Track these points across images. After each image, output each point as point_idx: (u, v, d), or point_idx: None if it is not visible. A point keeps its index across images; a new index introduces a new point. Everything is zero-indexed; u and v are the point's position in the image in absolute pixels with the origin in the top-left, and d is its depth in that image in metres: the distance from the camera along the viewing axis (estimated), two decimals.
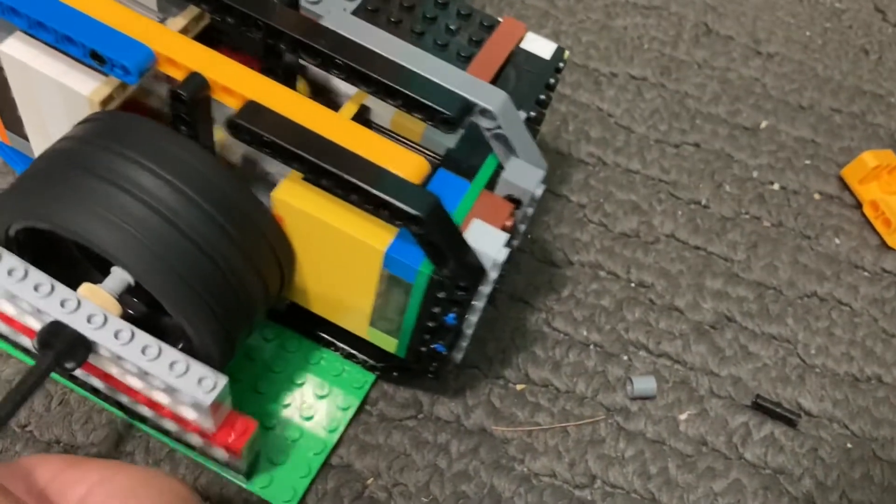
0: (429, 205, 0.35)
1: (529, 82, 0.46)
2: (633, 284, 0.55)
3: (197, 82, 0.38)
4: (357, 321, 0.43)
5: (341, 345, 0.47)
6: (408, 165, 0.37)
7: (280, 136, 0.36)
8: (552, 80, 0.47)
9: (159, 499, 0.33)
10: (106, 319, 0.38)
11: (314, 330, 0.48)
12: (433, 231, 0.35)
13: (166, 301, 0.37)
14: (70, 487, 0.33)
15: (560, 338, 0.52)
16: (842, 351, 0.54)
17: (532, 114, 0.45)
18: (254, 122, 0.36)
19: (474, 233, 0.38)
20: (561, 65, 0.47)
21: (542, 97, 0.46)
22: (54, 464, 0.34)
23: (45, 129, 0.44)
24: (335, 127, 0.38)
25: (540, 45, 0.48)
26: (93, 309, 0.38)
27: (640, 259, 0.56)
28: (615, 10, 0.71)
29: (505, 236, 0.38)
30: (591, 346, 0.52)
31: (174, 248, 0.36)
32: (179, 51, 0.39)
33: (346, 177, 0.35)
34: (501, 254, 0.37)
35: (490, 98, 0.40)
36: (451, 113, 0.38)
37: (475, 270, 0.37)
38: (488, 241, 0.38)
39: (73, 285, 0.39)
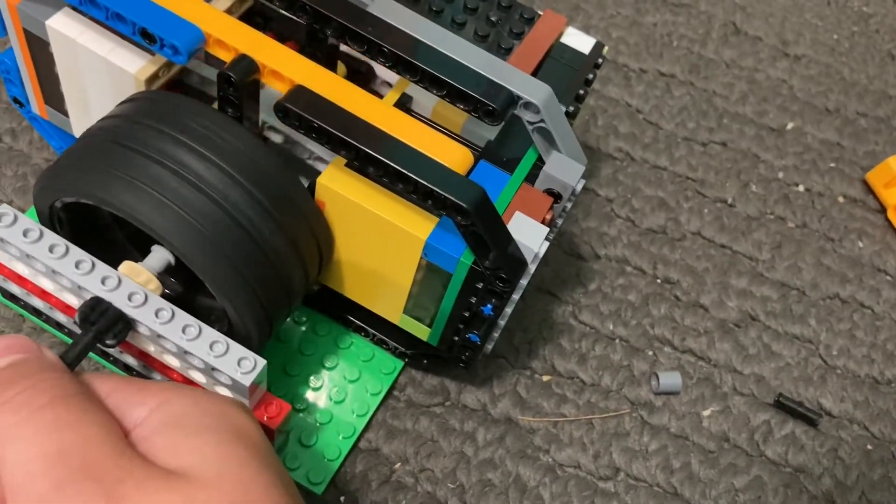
0: (475, 196, 0.36)
1: (568, 77, 0.46)
2: (659, 280, 0.55)
3: (246, 65, 0.38)
4: (391, 308, 0.44)
5: (372, 330, 0.47)
6: (453, 156, 0.38)
7: (329, 122, 0.36)
8: (591, 76, 0.47)
9: (216, 428, 0.30)
10: (147, 298, 0.38)
11: (345, 314, 0.48)
12: (478, 222, 0.36)
13: (210, 281, 0.37)
14: (129, 408, 0.31)
15: (586, 331, 0.52)
16: (863, 353, 0.54)
17: (570, 108, 0.45)
18: (303, 107, 0.36)
19: (516, 225, 0.38)
20: (600, 60, 0.48)
21: (581, 92, 0.46)
22: (113, 381, 0.32)
23: (87, 106, 0.44)
24: (381, 114, 0.38)
25: (579, 40, 0.48)
26: (133, 287, 0.38)
27: (667, 255, 0.56)
28: (645, 6, 0.71)
29: (546, 230, 0.38)
30: (617, 341, 0.52)
31: (219, 229, 0.36)
32: (229, 32, 0.39)
33: (394, 165, 0.36)
34: (542, 247, 0.38)
35: (534, 91, 0.40)
36: (495, 105, 0.39)
37: (517, 263, 0.37)
38: (530, 234, 0.38)
39: (112, 264, 0.39)
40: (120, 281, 0.38)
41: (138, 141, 0.37)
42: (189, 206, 0.36)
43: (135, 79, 0.40)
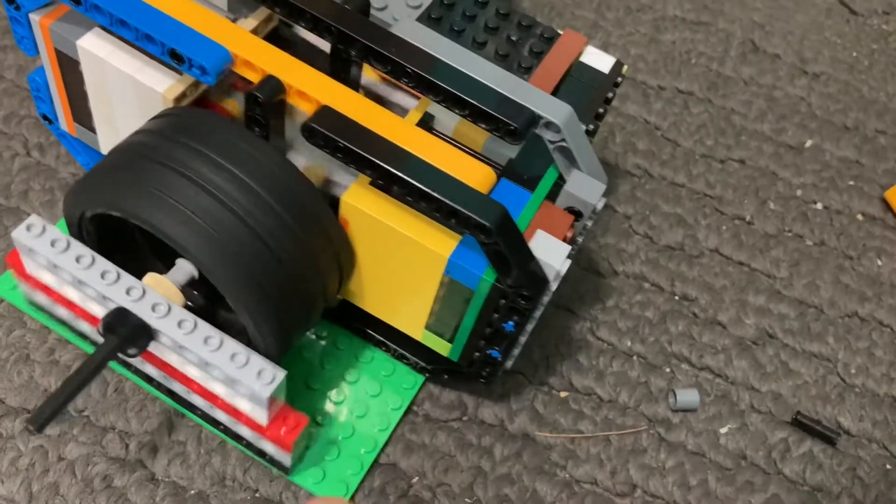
0: (497, 214, 0.36)
1: (588, 95, 0.47)
2: (676, 297, 0.56)
3: (273, 85, 0.39)
4: (413, 324, 0.44)
5: (393, 345, 0.48)
6: (476, 175, 0.38)
7: (354, 142, 0.37)
8: (610, 94, 0.47)
9: None
10: (170, 309, 0.39)
11: (366, 329, 0.48)
12: (501, 240, 0.36)
13: (230, 296, 0.37)
14: None
15: (604, 347, 0.53)
16: (882, 372, 0.54)
17: (590, 127, 0.46)
18: (329, 128, 0.37)
19: (538, 243, 0.39)
20: (619, 79, 0.48)
21: (601, 110, 0.47)
22: None
23: (114, 123, 0.45)
24: (405, 134, 0.39)
25: (599, 59, 0.48)
26: (157, 298, 0.39)
27: (685, 272, 0.57)
28: (664, 24, 0.72)
29: (568, 248, 0.39)
30: (635, 357, 0.52)
31: (243, 244, 0.37)
32: (256, 53, 0.39)
33: (418, 185, 0.36)
34: (564, 265, 0.38)
35: (555, 111, 0.41)
36: (517, 125, 0.39)
37: (538, 280, 0.38)
38: (552, 252, 0.38)
39: (137, 275, 0.40)
40: (144, 292, 0.39)
41: (166, 156, 0.38)
42: (213, 221, 0.36)
43: (163, 98, 0.41)
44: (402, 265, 0.41)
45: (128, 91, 0.42)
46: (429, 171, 0.37)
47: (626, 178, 0.61)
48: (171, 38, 0.39)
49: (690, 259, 0.58)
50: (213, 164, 0.37)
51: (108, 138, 0.47)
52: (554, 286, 0.38)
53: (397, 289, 0.42)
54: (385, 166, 0.36)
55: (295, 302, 0.40)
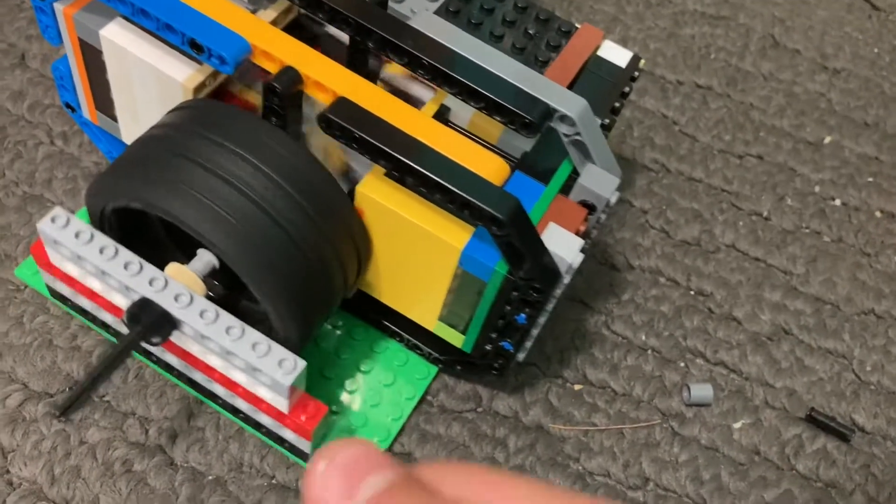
0: (510, 207, 0.36)
1: (605, 90, 0.47)
2: (692, 292, 0.56)
3: (291, 76, 0.39)
4: (426, 314, 0.44)
5: (406, 336, 0.48)
6: (489, 167, 0.38)
7: (370, 133, 0.37)
8: (627, 89, 0.48)
9: None
10: (192, 299, 0.39)
11: (380, 319, 0.49)
12: (513, 232, 0.36)
13: (253, 284, 0.38)
14: None
15: (619, 341, 0.53)
16: None
17: (606, 121, 0.46)
18: (345, 119, 0.37)
19: (551, 236, 0.39)
20: (636, 73, 0.48)
21: (617, 104, 0.47)
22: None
23: (136, 112, 0.46)
24: (421, 126, 0.39)
25: (616, 53, 0.48)
26: (179, 288, 0.39)
27: (700, 267, 0.57)
28: (683, 18, 0.71)
29: (581, 241, 0.39)
30: (649, 351, 0.53)
31: (264, 234, 0.37)
32: (275, 44, 0.40)
33: (432, 176, 0.36)
34: (577, 258, 0.38)
35: (570, 105, 0.41)
36: (532, 118, 0.39)
37: (551, 273, 0.38)
38: (564, 246, 0.39)
39: (159, 265, 0.41)
40: (167, 282, 0.40)
41: (187, 148, 0.38)
42: (235, 212, 0.37)
43: (182, 87, 0.41)
44: (416, 256, 0.41)
45: (148, 80, 0.43)
46: (443, 163, 0.37)
47: (643, 172, 0.61)
48: (191, 27, 0.39)
49: (706, 254, 0.58)
50: (232, 154, 0.38)
51: (129, 127, 0.48)
52: (567, 279, 0.39)
53: (411, 279, 0.43)
54: (400, 157, 0.37)
55: (315, 291, 0.40)
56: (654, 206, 0.59)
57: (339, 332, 0.49)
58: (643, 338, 0.53)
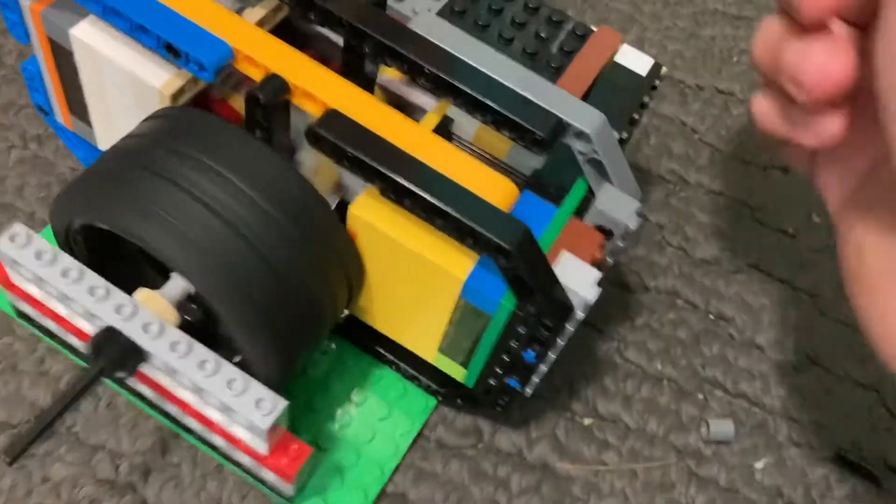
0: (518, 236, 0.32)
1: (623, 100, 0.43)
2: (712, 316, 0.52)
3: (276, 85, 0.35)
4: (425, 346, 0.41)
5: (404, 365, 0.45)
6: (497, 190, 0.35)
7: (363, 152, 0.33)
8: (646, 99, 0.44)
9: None
10: (162, 329, 0.36)
11: (374, 345, 0.45)
12: (521, 264, 0.32)
13: (228, 318, 0.34)
14: None
15: (632, 370, 0.49)
16: None
17: (624, 135, 0.42)
18: (336, 135, 0.34)
19: (564, 267, 0.35)
20: (657, 82, 0.44)
21: (636, 116, 0.43)
22: None
23: (111, 118, 0.42)
24: (421, 142, 0.35)
25: (636, 59, 0.44)
26: (149, 317, 0.36)
27: (721, 289, 0.53)
28: (704, 18, 0.67)
29: (598, 274, 0.35)
30: (665, 382, 0.49)
31: (240, 261, 0.34)
32: (259, 49, 0.36)
33: (432, 201, 0.33)
34: (593, 293, 0.35)
35: (587, 120, 0.37)
36: (543, 134, 0.36)
37: (562, 308, 0.34)
38: (579, 279, 0.35)
39: (135, 284, 0.37)
40: (135, 309, 0.36)
41: (158, 163, 0.34)
42: (205, 234, 0.33)
43: (159, 94, 0.38)
44: (414, 284, 0.37)
45: (123, 85, 0.39)
46: (445, 186, 0.33)
47: (659, 184, 0.57)
48: (167, 30, 0.36)
49: (727, 275, 0.54)
50: (209, 171, 0.34)
51: (104, 133, 0.44)
52: (580, 316, 0.35)
53: (408, 308, 0.39)
54: (396, 179, 0.33)
55: (298, 323, 0.36)
56: (672, 221, 0.55)
57: (330, 358, 0.45)
58: (658, 367, 0.49)
